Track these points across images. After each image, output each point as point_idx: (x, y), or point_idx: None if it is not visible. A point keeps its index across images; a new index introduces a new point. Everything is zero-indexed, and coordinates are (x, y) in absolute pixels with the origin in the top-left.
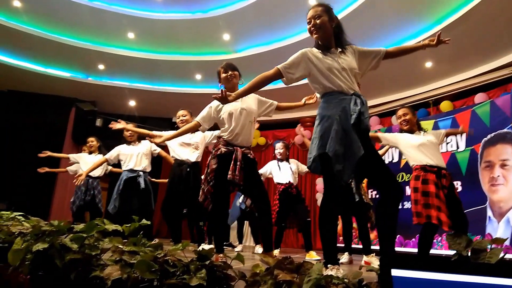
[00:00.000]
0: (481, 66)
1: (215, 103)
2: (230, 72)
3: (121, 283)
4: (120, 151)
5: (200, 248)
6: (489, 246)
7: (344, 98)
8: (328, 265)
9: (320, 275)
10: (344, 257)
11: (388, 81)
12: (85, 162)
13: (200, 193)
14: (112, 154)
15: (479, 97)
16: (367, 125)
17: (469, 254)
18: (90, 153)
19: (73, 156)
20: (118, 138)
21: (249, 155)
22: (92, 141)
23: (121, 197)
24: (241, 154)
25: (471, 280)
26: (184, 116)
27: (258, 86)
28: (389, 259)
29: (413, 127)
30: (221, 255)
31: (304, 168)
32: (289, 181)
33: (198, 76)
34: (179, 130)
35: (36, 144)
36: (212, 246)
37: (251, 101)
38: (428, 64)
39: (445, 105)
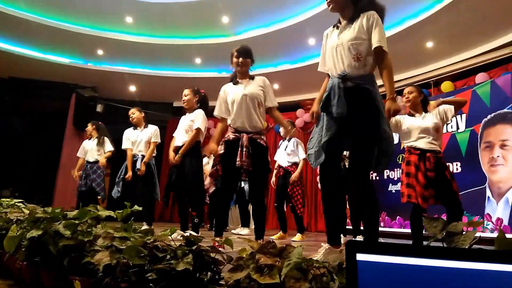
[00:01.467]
0: (482, 46)
1: (221, 91)
2: (241, 59)
3: (112, 268)
4: (125, 135)
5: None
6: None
7: (331, 82)
8: (324, 245)
9: (300, 259)
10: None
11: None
12: (85, 149)
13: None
14: (123, 142)
15: (480, 77)
16: (337, 112)
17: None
18: (90, 138)
19: (80, 152)
20: (120, 122)
21: (258, 141)
22: (88, 127)
23: (124, 182)
24: (247, 140)
25: (436, 264)
26: (186, 96)
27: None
28: (354, 244)
29: (417, 107)
30: (218, 238)
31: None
32: (279, 163)
33: (198, 60)
34: (216, 136)
35: (38, 131)
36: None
37: (254, 87)
38: (429, 44)
39: (446, 86)
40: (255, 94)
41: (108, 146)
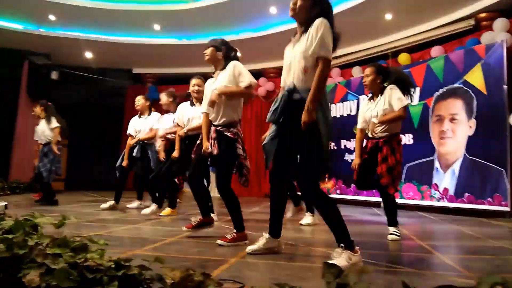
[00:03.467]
0: (439, 19)
1: (206, 85)
2: (205, 51)
3: None
4: (131, 122)
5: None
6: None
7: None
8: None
9: None
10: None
11: (349, 33)
12: (37, 132)
13: None
14: (128, 128)
15: (435, 50)
16: (269, 119)
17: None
18: (38, 117)
19: (35, 136)
20: (76, 89)
21: (226, 133)
22: (36, 109)
23: (122, 169)
24: (214, 132)
25: None
26: (199, 86)
27: None
28: None
29: (374, 89)
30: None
31: None
32: None
33: (157, 27)
34: (204, 132)
35: None
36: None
37: (222, 78)
38: (388, 16)
39: (403, 58)
40: (222, 87)
41: (54, 123)
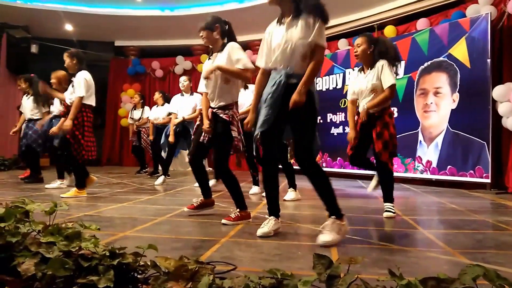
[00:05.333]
0: None
1: (203, 67)
2: (201, 33)
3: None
4: (173, 100)
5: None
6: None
7: (277, 77)
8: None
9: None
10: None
11: (334, 4)
12: (23, 106)
13: None
14: (171, 107)
15: (420, 23)
16: (268, 104)
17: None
18: (26, 94)
19: (22, 107)
20: (57, 62)
21: (221, 115)
22: (21, 84)
23: (169, 145)
24: (211, 114)
25: None
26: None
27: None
28: None
29: (365, 60)
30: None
31: None
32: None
33: None
34: (204, 112)
35: None
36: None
37: (220, 60)
38: None
39: (389, 30)
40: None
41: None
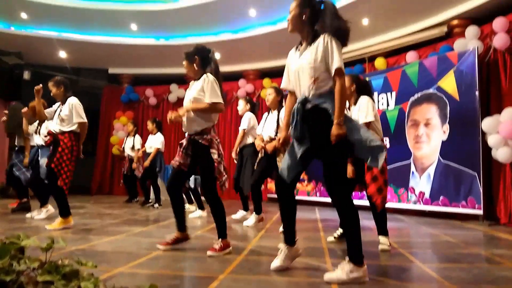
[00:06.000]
0: (413, 25)
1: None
2: (183, 63)
3: None
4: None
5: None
6: None
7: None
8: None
9: None
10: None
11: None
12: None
13: None
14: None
15: (410, 55)
16: (294, 136)
17: None
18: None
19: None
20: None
21: (200, 141)
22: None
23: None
24: (187, 141)
25: None
26: None
27: None
28: None
29: (350, 99)
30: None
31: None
32: None
33: (134, 26)
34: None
35: None
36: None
37: (194, 89)
38: (365, 22)
39: (379, 62)
40: (192, 97)
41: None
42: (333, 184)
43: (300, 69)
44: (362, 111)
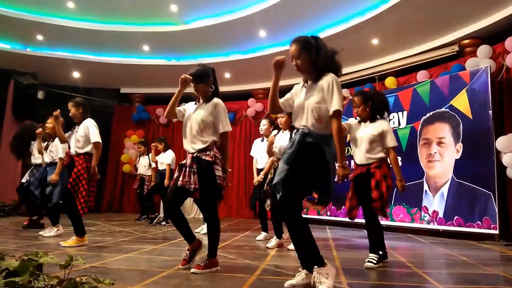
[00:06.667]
0: (424, 44)
1: (185, 106)
2: (193, 85)
3: None
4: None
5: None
6: None
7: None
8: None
9: None
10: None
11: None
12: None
13: None
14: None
15: (420, 75)
16: (285, 161)
17: None
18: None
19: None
20: (63, 109)
21: (203, 157)
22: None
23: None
24: (190, 159)
25: None
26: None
27: None
28: None
29: (364, 117)
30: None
31: None
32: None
33: (146, 47)
34: None
35: None
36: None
37: (204, 111)
38: (375, 41)
39: (390, 81)
40: (199, 119)
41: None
42: (291, 200)
43: (306, 106)
44: (390, 135)
